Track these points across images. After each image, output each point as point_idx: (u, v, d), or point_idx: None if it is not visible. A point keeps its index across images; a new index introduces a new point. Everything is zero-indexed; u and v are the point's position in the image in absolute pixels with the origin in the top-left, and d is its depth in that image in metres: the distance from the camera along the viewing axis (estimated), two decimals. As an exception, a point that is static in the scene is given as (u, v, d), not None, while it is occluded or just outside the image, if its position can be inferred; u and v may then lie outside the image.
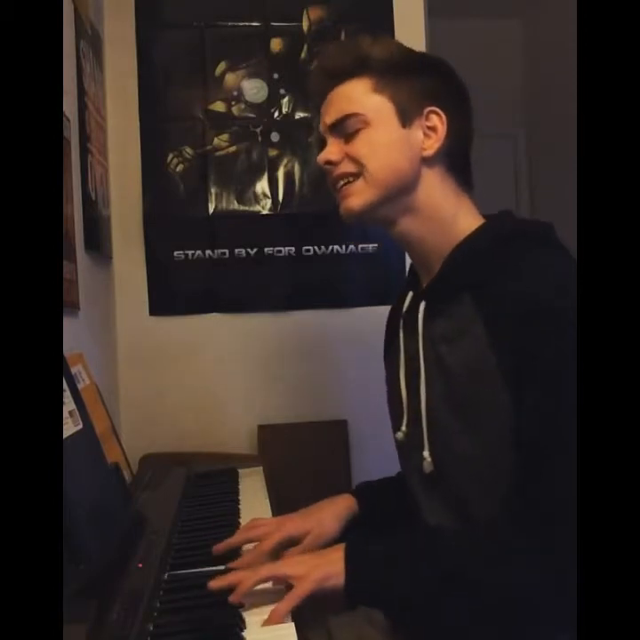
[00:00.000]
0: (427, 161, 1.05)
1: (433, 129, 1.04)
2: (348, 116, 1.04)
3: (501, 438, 0.95)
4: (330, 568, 0.92)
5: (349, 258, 2.36)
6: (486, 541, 0.94)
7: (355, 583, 0.92)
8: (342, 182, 1.06)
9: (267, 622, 0.87)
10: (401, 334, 1.12)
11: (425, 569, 0.91)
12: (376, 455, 2.28)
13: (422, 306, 1.06)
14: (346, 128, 1.05)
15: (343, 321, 2.36)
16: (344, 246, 2.34)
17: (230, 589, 0.92)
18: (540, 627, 0.93)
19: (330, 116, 1.07)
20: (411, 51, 1.10)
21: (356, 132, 1.04)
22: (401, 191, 1.05)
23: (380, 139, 1.04)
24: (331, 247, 2.35)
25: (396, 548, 0.95)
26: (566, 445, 0.85)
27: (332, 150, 1.06)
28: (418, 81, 1.05)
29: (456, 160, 1.07)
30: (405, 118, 1.04)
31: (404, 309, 1.12)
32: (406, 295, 1.13)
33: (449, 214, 1.05)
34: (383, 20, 2.36)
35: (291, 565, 0.95)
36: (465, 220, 1.05)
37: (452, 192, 1.06)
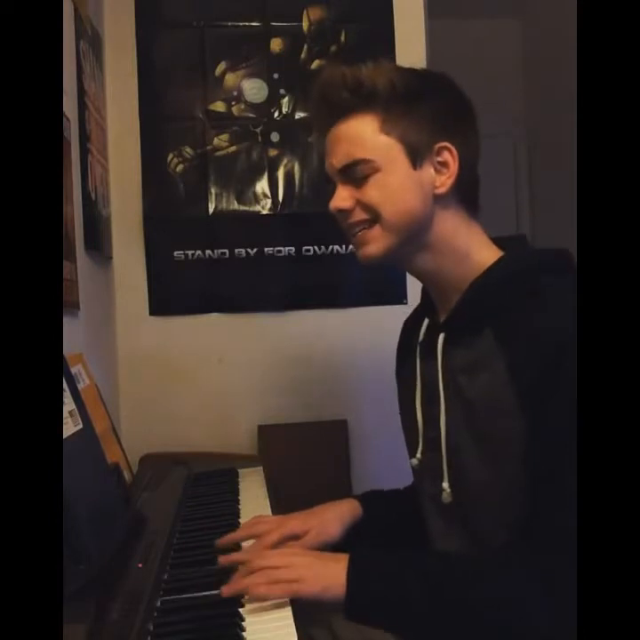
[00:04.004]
0: (440, 198, 1.02)
1: (444, 164, 1.01)
2: (357, 162, 1.01)
3: (517, 469, 0.95)
4: (331, 580, 0.92)
5: (349, 258, 2.35)
6: (496, 570, 0.93)
7: (355, 601, 0.91)
8: (358, 229, 1.05)
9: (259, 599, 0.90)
10: (417, 361, 1.10)
11: (428, 595, 0.90)
12: (376, 455, 2.31)
13: (441, 337, 1.05)
14: (355, 173, 1.02)
15: (343, 321, 2.36)
16: (344, 246, 2.34)
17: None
18: None
19: (338, 159, 1.04)
20: (412, 73, 1.05)
21: (367, 177, 1.01)
22: (416, 232, 1.03)
23: (393, 183, 1.01)
24: (331, 247, 2.35)
25: (400, 571, 0.93)
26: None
27: (343, 197, 1.04)
28: (426, 111, 1.01)
29: (466, 190, 1.05)
30: (416, 159, 1.01)
31: (420, 337, 1.11)
32: (421, 320, 1.12)
33: (462, 247, 1.04)
34: (383, 20, 2.36)
35: (295, 568, 0.94)
36: (479, 251, 1.04)
37: (463, 223, 1.05)
